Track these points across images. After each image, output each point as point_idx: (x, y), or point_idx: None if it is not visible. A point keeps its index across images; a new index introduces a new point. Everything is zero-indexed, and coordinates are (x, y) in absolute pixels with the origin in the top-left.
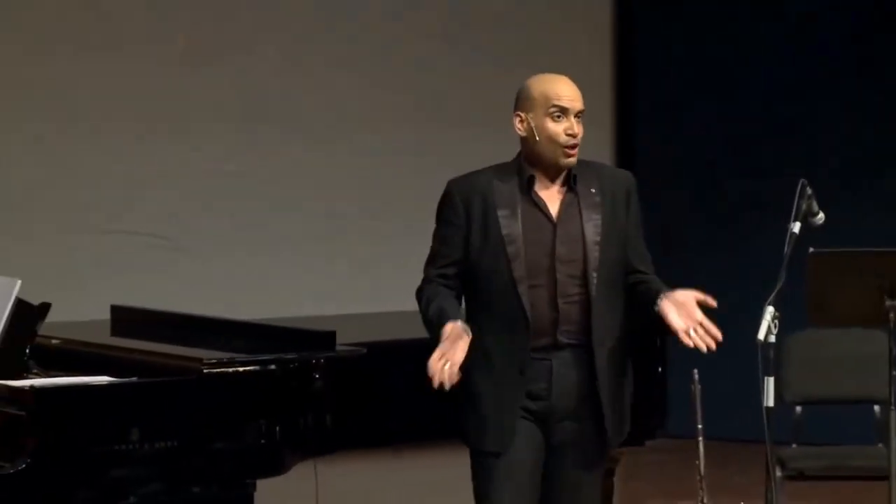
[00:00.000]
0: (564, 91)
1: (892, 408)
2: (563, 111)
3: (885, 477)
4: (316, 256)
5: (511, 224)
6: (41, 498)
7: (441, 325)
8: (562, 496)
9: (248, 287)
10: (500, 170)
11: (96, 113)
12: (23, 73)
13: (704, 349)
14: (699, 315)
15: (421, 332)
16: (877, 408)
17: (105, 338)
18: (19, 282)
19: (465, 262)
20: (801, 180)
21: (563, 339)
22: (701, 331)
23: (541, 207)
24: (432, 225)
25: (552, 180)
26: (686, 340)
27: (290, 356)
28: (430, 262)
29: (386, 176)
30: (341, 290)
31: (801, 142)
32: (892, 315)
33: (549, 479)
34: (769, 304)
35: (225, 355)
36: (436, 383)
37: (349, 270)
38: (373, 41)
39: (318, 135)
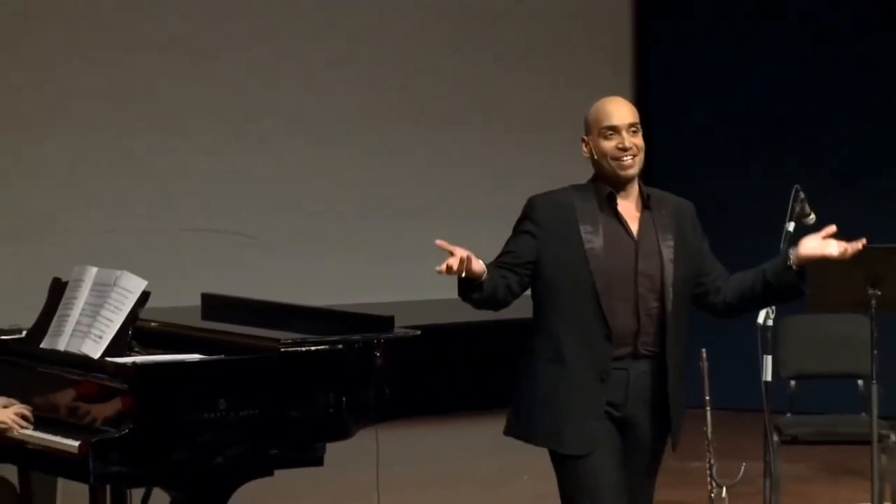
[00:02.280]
0: (613, 110)
1: (874, 382)
2: (614, 129)
3: (868, 442)
4: (366, 251)
5: (593, 239)
6: (142, 458)
7: None
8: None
9: (315, 278)
10: (578, 188)
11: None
12: (106, 82)
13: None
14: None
15: (467, 317)
16: (860, 382)
17: (196, 321)
18: (146, 282)
19: (531, 268)
20: (795, 186)
21: (641, 349)
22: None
23: (622, 223)
24: (471, 223)
25: (627, 198)
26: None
27: (354, 337)
28: (499, 255)
29: (406, 176)
30: (390, 281)
31: (801, 142)
32: (873, 302)
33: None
34: None
35: (299, 336)
36: (449, 266)
37: (398, 263)
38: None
39: (364, 139)
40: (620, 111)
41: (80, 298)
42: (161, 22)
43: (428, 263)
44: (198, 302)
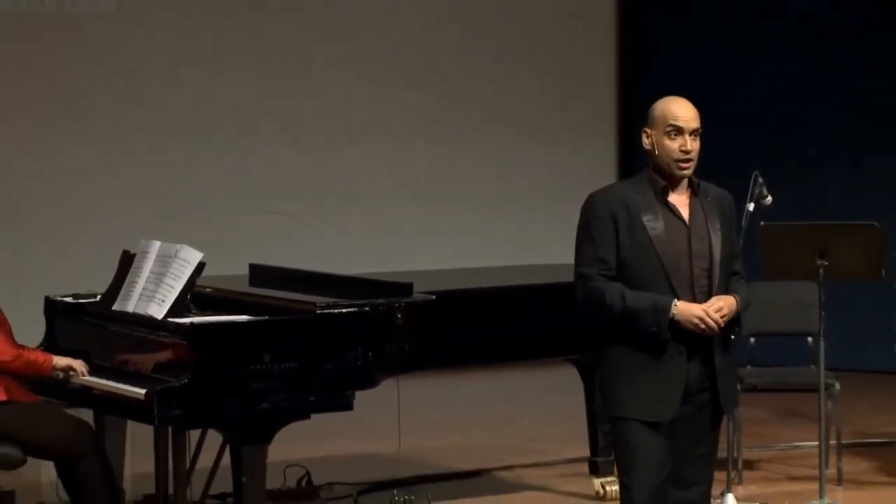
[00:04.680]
0: (681, 112)
1: (821, 338)
2: (679, 130)
3: (816, 390)
4: (379, 229)
5: (656, 226)
6: (199, 404)
7: (661, 303)
8: (682, 464)
9: (348, 249)
10: (632, 182)
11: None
12: (198, 95)
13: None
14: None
15: (476, 283)
16: (810, 339)
17: (244, 287)
18: (202, 254)
19: (617, 261)
20: (755, 172)
21: None
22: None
23: (675, 212)
24: (463, 209)
25: (678, 189)
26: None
27: (379, 301)
28: (589, 264)
29: (415, 168)
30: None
31: (801, 142)
32: (821, 271)
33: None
34: None
35: (332, 300)
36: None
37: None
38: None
39: (379, 140)
40: (688, 114)
41: (146, 268)
42: (190, 33)
43: (431, 240)
44: (246, 271)
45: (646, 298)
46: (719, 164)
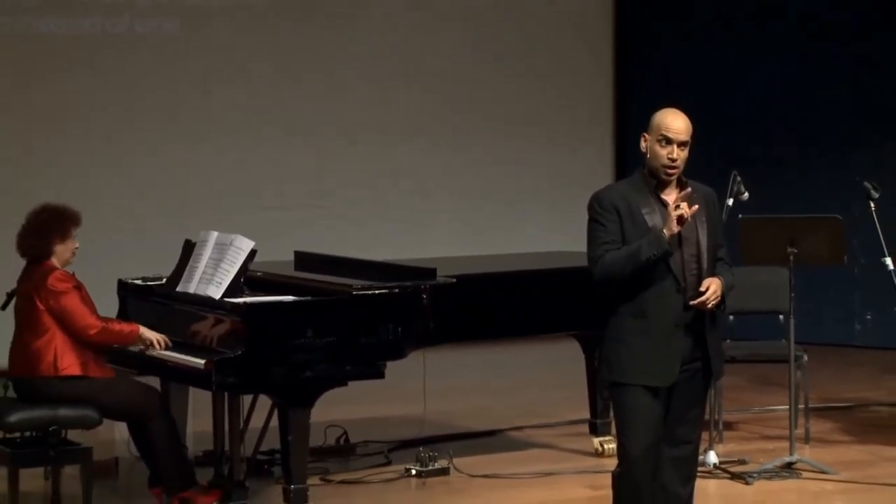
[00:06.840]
0: (673, 125)
1: (791, 316)
2: (668, 140)
3: (786, 361)
4: (394, 221)
5: (653, 218)
6: (251, 373)
7: (653, 231)
8: (675, 425)
9: (375, 239)
10: (628, 182)
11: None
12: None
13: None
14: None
15: (490, 268)
16: (781, 316)
17: (290, 272)
18: (254, 242)
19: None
20: (734, 172)
21: (688, 303)
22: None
23: (667, 207)
24: (462, 207)
25: (669, 187)
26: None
27: (407, 283)
28: (598, 247)
29: (419, 165)
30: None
31: (802, 142)
32: (791, 257)
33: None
34: None
35: (366, 283)
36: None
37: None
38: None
39: (384, 138)
40: (680, 127)
41: (206, 254)
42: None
43: (429, 237)
44: (291, 257)
45: (632, 246)
46: (719, 162)
